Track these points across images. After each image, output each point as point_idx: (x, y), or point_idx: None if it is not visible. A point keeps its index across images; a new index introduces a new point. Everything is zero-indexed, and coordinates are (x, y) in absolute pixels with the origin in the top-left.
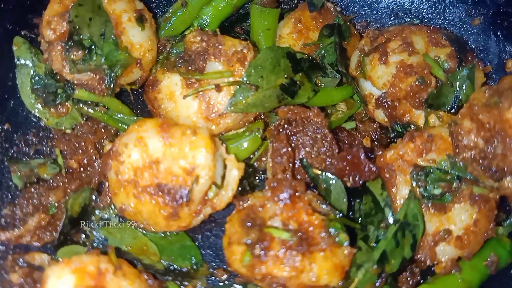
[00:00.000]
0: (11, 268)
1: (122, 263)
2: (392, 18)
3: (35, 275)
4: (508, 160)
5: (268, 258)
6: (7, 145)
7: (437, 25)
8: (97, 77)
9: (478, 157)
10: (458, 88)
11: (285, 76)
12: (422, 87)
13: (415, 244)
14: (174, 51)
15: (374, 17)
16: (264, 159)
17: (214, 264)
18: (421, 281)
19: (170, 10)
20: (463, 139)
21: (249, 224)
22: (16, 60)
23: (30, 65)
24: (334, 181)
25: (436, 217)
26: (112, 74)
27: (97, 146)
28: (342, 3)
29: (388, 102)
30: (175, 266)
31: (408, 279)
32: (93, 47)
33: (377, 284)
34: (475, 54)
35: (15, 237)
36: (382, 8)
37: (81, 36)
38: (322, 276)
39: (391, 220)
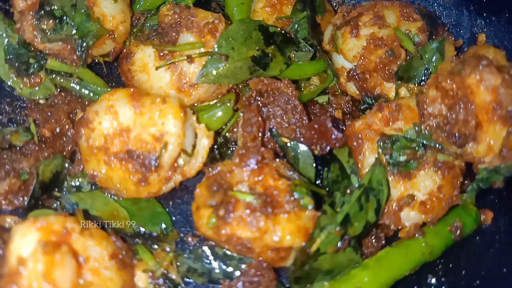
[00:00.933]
0: None
1: (89, 223)
2: None
3: (5, 236)
4: (470, 125)
5: (232, 219)
6: None
7: (411, 0)
8: (68, 47)
9: (442, 124)
10: (428, 61)
11: (257, 48)
12: (391, 59)
13: (379, 208)
14: (148, 24)
15: None
16: (235, 129)
17: (184, 229)
18: (387, 246)
19: None
20: (428, 107)
21: (214, 188)
22: None
23: (4, 35)
24: (302, 149)
25: (401, 183)
26: (84, 44)
27: (71, 116)
28: None
29: (359, 75)
30: (145, 230)
31: (373, 242)
32: (64, 17)
33: (339, 245)
34: (447, 29)
35: None
36: None
37: (52, 7)
38: (285, 237)
39: (356, 186)
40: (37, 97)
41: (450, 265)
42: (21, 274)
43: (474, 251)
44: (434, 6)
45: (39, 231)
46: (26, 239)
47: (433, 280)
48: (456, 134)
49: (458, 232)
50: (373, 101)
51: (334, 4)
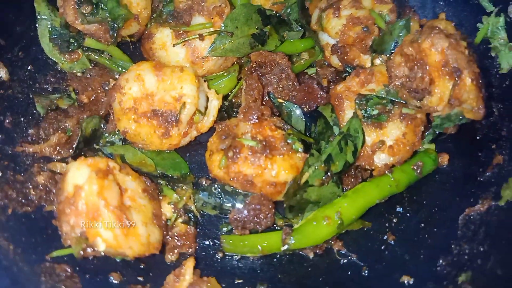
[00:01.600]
0: (37, 172)
1: (126, 166)
2: None
3: (56, 177)
4: (425, 81)
5: (239, 159)
6: (31, 82)
7: None
8: (103, 28)
9: (405, 83)
10: (396, 36)
11: (256, 27)
12: (366, 34)
13: (356, 151)
14: (165, 9)
15: None
16: (239, 95)
17: (198, 175)
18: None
19: None
20: (395, 71)
21: (224, 137)
22: (37, 15)
23: (48, 19)
24: (294, 107)
25: (374, 132)
26: (115, 26)
27: (103, 86)
28: None
29: (341, 49)
30: (168, 174)
31: (352, 180)
32: (99, 3)
33: (324, 178)
34: (413, 9)
35: (39, 149)
36: None
37: None
38: (280, 173)
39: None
40: (76, 71)
41: (414, 197)
42: (79, 195)
43: (433, 186)
44: None
45: (89, 166)
46: (80, 171)
47: (400, 209)
48: (415, 90)
49: (419, 170)
50: (352, 70)
51: None
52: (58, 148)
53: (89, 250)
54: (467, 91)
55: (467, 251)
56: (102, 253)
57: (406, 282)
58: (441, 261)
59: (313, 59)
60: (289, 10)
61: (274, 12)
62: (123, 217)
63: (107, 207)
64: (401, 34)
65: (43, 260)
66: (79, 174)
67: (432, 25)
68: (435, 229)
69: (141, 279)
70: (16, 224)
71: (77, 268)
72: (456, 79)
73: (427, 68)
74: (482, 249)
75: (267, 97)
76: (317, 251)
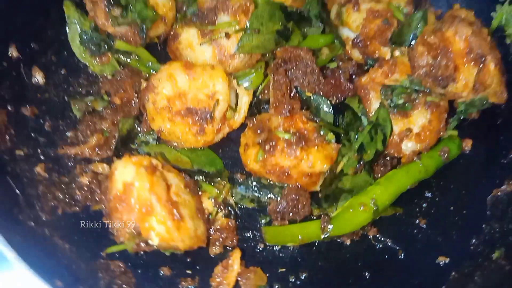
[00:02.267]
0: (80, 174)
1: (166, 163)
2: None
3: (99, 177)
4: (449, 68)
5: (276, 151)
6: (65, 86)
7: None
8: (132, 29)
9: (429, 72)
10: (414, 28)
11: (280, 23)
12: (386, 26)
13: (385, 139)
14: (190, 10)
15: None
16: (266, 91)
17: (232, 170)
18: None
19: None
20: (418, 60)
21: (259, 131)
22: (66, 19)
23: (78, 23)
24: (322, 100)
25: (401, 120)
26: (144, 27)
27: (133, 87)
28: None
29: (362, 42)
30: (204, 170)
31: (382, 168)
32: (128, 5)
33: (357, 167)
34: (429, 1)
35: (80, 151)
36: None
37: None
38: (316, 163)
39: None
40: (106, 73)
41: (441, 182)
42: (131, 192)
43: (459, 171)
44: None
45: (134, 164)
46: (126, 169)
47: (429, 194)
48: (440, 77)
49: (445, 155)
50: (374, 63)
51: None
52: (97, 149)
53: (142, 244)
54: (491, 76)
55: (497, 229)
56: (155, 247)
57: (442, 262)
58: (474, 240)
59: (334, 54)
60: (308, 6)
61: (295, 8)
62: (173, 211)
63: (159, 201)
64: (419, 25)
65: (98, 257)
66: (127, 172)
67: (454, 14)
68: (464, 211)
69: (189, 272)
70: (67, 224)
71: (129, 264)
72: (481, 65)
73: (451, 56)
74: None
75: (294, 91)
76: (354, 237)
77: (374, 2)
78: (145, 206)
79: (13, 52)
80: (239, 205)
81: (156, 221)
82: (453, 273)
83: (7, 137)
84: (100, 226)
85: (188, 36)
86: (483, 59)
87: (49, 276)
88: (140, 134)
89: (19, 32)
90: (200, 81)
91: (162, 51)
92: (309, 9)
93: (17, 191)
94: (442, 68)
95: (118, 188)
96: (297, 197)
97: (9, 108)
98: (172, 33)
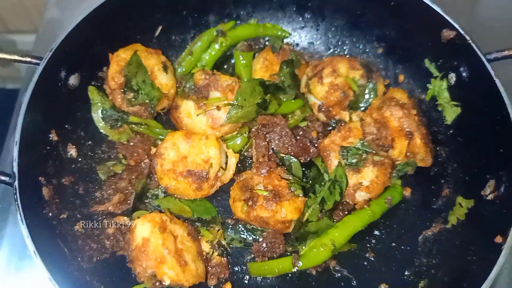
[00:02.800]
0: (107, 226)
1: (173, 216)
2: (327, 51)
3: (122, 228)
4: (388, 139)
5: (257, 207)
6: (92, 154)
7: (355, 54)
8: (143, 108)
9: (375, 138)
10: (367, 96)
11: (260, 97)
12: (344, 97)
13: (342, 192)
14: (187, 85)
15: (315, 51)
16: (250, 150)
17: (224, 216)
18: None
19: (181, 56)
20: (366, 129)
21: (244, 188)
22: (91, 101)
23: (99, 103)
24: (293, 160)
25: (354, 175)
26: (152, 105)
27: (145, 150)
28: (294, 43)
29: (325, 108)
30: (202, 217)
31: (340, 213)
32: (139, 89)
33: (320, 215)
34: (378, 73)
35: (106, 208)
36: (319, 45)
37: (131, 83)
38: (288, 214)
39: (327, 180)
40: (122, 140)
41: (387, 222)
42: (148, 246)
43: (400, 213)
44: (371, 57)
45: (150, 222)
46: (144, 226)
47: (377, 232)
48: (382, 145)
49: (389, 202)
50: (336, 123)
51: (306, 58)
52: (119, 204)
53: (157, 283)
54: (418, 147)
55: (425, 263)
56: (167, 285)
57: None
58: (407, 271)
59: (304, 115)
60: (283, 78)
61: (272, 82)
62: (180, 259)
63: (169, 254)
64: (371, 95)
65: None
66: (144, 229)
67: (391, 96)
68: (402, 247)
69: None
70: (101, 268)
71: None
72: (409, 139)
73: (389, 131)
74: (435, 261)
75: (271, 151)
76: (318, 269)
77: (334, 76)
78: (159, 257)
79: (53, 136)
80: (230, 245)
81: (167, 268)
82: None
83: (54, 206)
84: (124, 269)
85: (187, 108)
86: (411, 136)
87: None
88: (151, 190)
89: (57, 119)
90: (197, 148)
91: (167, 118)
92: (283, 81)
93: (65, 249)
94: (383, 138)
95: (138, 241)
96: (274, 240)
97: (53, 182)
98: (173, 104)
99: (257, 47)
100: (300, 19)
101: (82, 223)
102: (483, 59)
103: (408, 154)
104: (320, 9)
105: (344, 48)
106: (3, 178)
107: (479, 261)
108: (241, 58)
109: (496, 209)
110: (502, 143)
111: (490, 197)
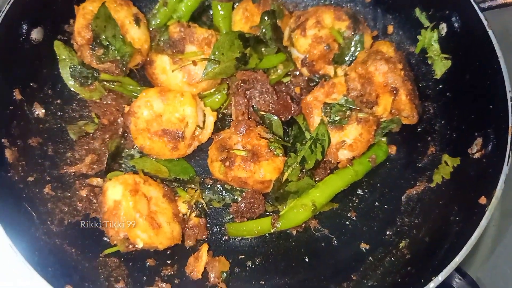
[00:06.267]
0: (79, 188)
1: (147, 177)
2: (313, 1)
3: (95, 190)
4: (373, 95)
5: (234, 167)
6: (61, 113)
7: (341, 3)
8: (114, 64)
9: (359, 95)
10: (353, 49)
11: (239, 51)
12: (328, 50)
13: (324, 151)
14: (162, 39)
15: (299, 0)
16: (229, 108)
17: (203, 176)
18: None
19: (155, 8)
20: (350, 84)
21: (221, 149)
22: (58, 57)
23: (67, 59)
24: (273, 118)
25: (337, 133)
26: (124, 62)
27: (118, 108)
28: None
29: (309, 62)
30: (179, 177)
31: (322, 171)
32: (109, 45)
33: (300, 175)
34: (366, 24)
35: (77, 169)
36: None
37: (101, 38)
38: (266, 174)
39: (308, 138)
40: (94, 98)
41: (370, 181)
42: (119, 209)
43: (384, 171)
44: (358, 6)
45: (121, 184)
46: (115, 189)
47: (360, 191)
48: (366, 101)
49: (373, 161)
50: (319, 78)
51: (290, 8)
52: (92, 165)
53: (130, 246)
54: (403, 104)
55: (407, 223)
56: (141, 248)
57: (363, 248)
58: (388, 231)
59: (287, 70)
60: (264, 30)
61: (252, 34)
62: (153, 222)
63: (141, 217)
64: (357, 47)
65: (97, 256)
66: (116, 191)
67: (377, 50)
68: (385, 206)
69: (169, 262)
70: (72, 232)
71: (122, 259)
72: (394, 95)
73: (374, 86)
74: (417, 221)
75: (251, 109)
76: (298, 229)
77: (317, 29)
78: (131, 220)
79: (17, 95)
80: (208, 206)
81: (140, 231)
82: (370, 258)
83: (19, 168)
84: (97, 232)
85: (162, 63)
86: (395, 91)
87: (62, 282)
88: (126, 149)
89: (20, 77)
90: (172, 106)
91: (141, 74)
92: (264, 33)
93: (32, 212)
94: (367, 94)
95: (109, 204)
96: (253, 200)
97: (18, 143)
98: (148, 59)
99: None
100: None
101: (52, 184)
102: (476, 8)
103: (393, 111)
104: None
105: None
106: None
107: (462, 222)
108: (219, 9)
109: (482, 169)
110: (492, 98)
111: (476, 155)
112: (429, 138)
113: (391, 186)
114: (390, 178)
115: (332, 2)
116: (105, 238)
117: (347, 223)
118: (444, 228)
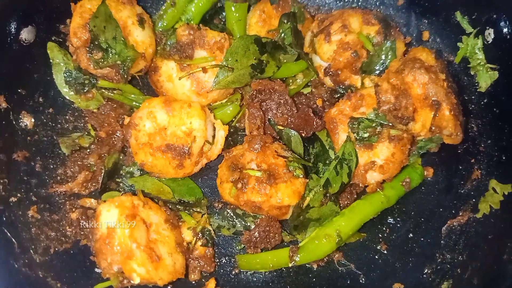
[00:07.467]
0: (70, 209)
1: (147, 200)
2: (337, 2)
3: (88, 213)
4: (409, 110)
5: (247, 190)
6: (53, 124)
7: (370, 6)
8: (114, 70)
9: (392, 109)
10: (384, 57)
11: (254, 58)
12: (356, 58)
13: (350, 172)
14: (169, 43)
15: (322, 2)
16: (242, 121)
17: (211, 198)
18: (357, 199)
19: (162, 8)
20: (382, 96)
21: (233, 168)
22: (51, 60)
23: (62, 63)
24: (293, 133)
25: (366, 153)
26: (125, 67)
27: (118, 120)
28: None
29: (333, 72)
30: (184, 199)
31: (348, 196)
32: (108, 48)
33: (323, 200)
34: (398, 29)
35: (69, 188)
36: None
37: (99, 40)
38: (284, 198)
39: (333, 158)
40: (92, 108)
41: (403, 208)
42: (113, 237)
43: (419, 197)
44: (389, 10)
45: (117, 207)
46: (110, 213)
47: (391, 220)
48: (401, 116)
49: (407, 185)
50: (344, 90)
51: (312, 11)
52: (85, 184)
53: (125, 281)
54: (446, 120)
55: (449, 260)
56: (137, 284)
57: None
58: (426, 269)
59: (308, 79)
60: (283, 35)
61: (269, 39)
62: (152, 254)
63: (138, 248)
64: (388, 55)
65: None
66: (110, 215)
67: (415, 57)
68: (422, 238)
69: None
70: (58, 262)
71: None
72: (436, 110)
73: (411, 99)
74: (461, 258)
75: (267, 123)
76: (320, 263)
77: (344, 34)
78: (126, 252)
79: (1, 102)
80: (216, 234)
81: (136, 264)
82: None
83: (0, 187)
84: (88, 262)
85: (168, 69)
86: (438, 106)
87: None
88: (125, 166)
89: (6, 82)
90: (178, 118)
91: (145, 81)
92: (283, 38)
93: (13, 239)
94: (403, 108)
95: (102, 231)
96: (268, 228)
97: (1, 158)
98: (152, 65)
99: (253, 0)
100: None
101: (39, 206)
102: None
103: (433, 128)
104: None
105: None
106: None
107: None
108: (233, 10)
109: None
110: None
111: None
112: (473, 160)
113: (428, 215)
114: (426, 206)
115: (359, 5)
116: (97, 269)
117: (377, 257)
118: (497, 268)
